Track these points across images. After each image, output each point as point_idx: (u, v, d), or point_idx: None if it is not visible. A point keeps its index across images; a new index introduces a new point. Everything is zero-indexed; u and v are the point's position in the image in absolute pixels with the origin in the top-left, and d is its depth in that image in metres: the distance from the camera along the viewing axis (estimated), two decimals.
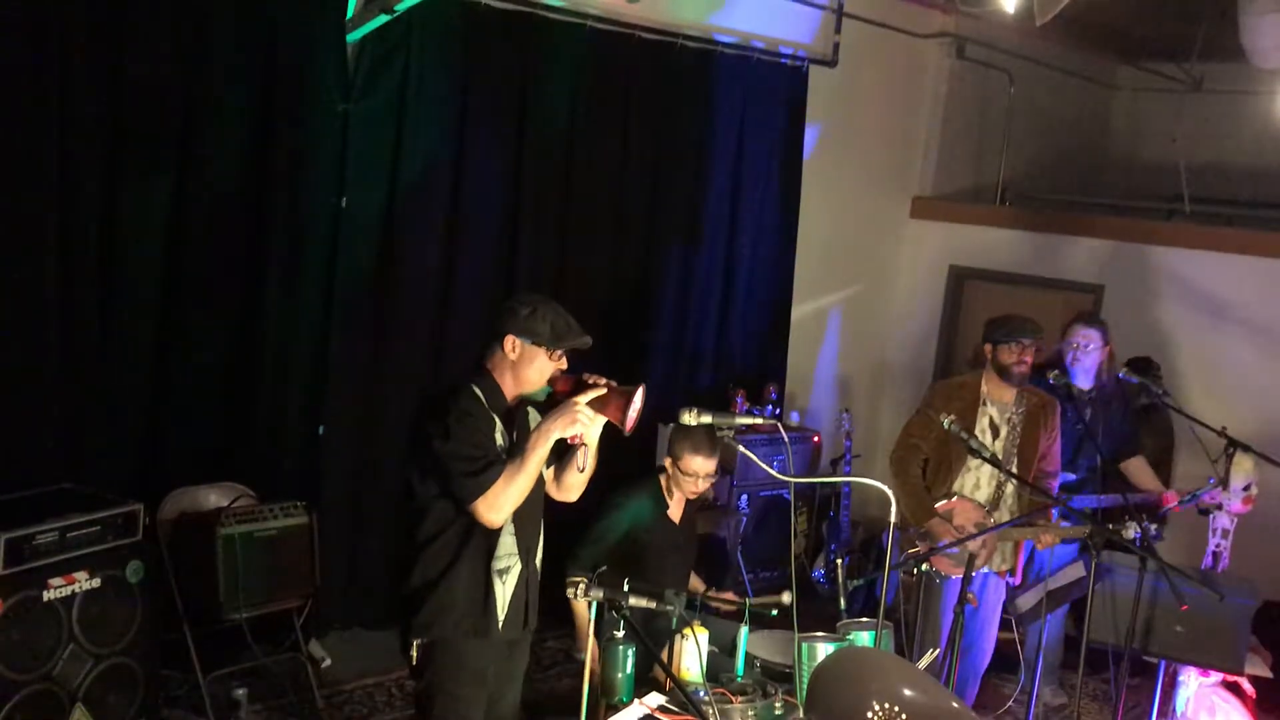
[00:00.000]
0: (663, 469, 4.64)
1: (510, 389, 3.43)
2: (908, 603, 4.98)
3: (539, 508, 3.58)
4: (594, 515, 4.50)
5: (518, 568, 3.49)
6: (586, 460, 3.45)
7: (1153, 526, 4.65)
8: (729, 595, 4.63)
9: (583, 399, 3.28)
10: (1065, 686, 5.78)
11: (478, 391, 3.38)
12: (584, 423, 3.29)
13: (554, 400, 3.38)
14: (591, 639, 3.81)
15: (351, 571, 5.51)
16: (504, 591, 3.46)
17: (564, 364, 3.42)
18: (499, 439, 3.40)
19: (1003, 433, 4.93)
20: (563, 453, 3.56)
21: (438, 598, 3.40)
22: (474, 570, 3.41)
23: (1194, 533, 5.25)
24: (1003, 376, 4.90)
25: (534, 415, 3.53)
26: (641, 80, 6.19)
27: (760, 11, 6.76)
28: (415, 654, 3.46)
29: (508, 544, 3.45)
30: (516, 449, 3.36)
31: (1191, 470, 5.21)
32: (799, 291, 7.33)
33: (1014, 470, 4.90)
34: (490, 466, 3.30)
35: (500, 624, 3.46)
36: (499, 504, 3.31)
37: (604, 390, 3.31)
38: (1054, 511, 5.06)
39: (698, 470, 4.47)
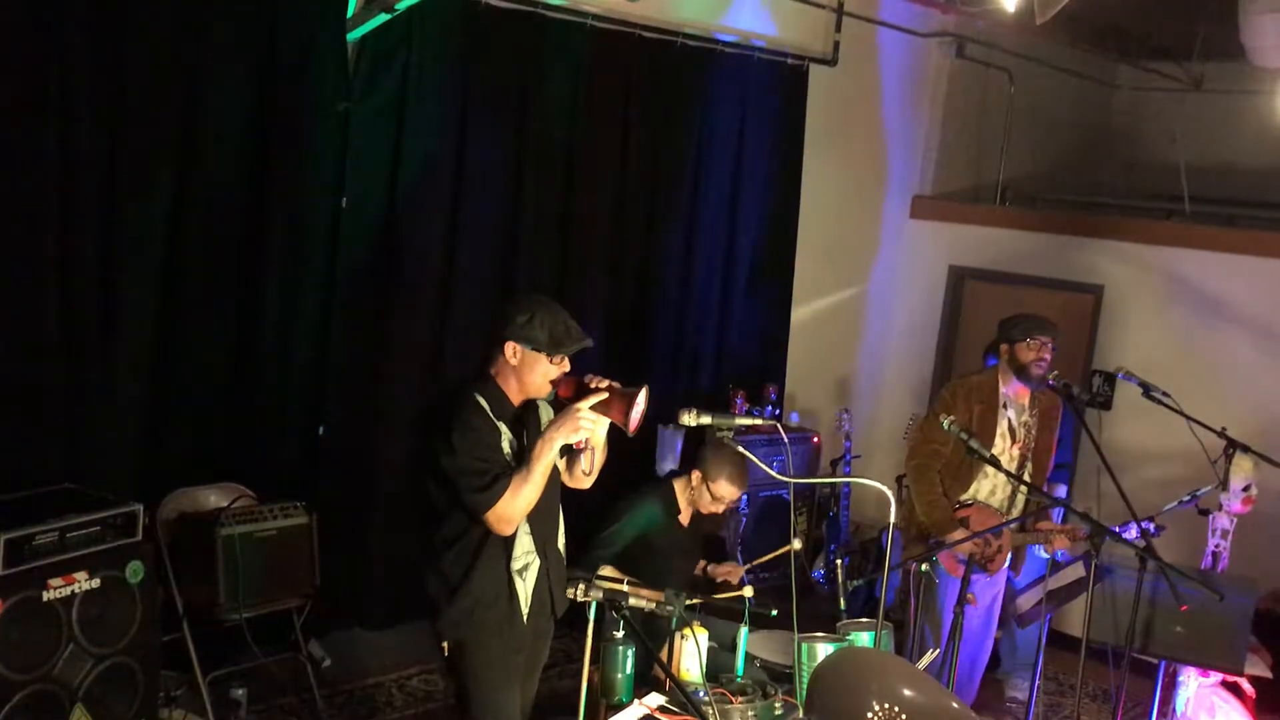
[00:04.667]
0: (676, 475, 4.66)
1: (515, 392, 3.46)
2: (907, 603, 4.99)
3: (555, 502, 3.63)
4: (605, 517, 4.51)
5: (537, 564, 3.54)
6: (592, 462, 3.48)
7: (1152, 525, 4.65)
8: (729, 569, 4.70)
9: (585, 404, 3.30)
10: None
11: (481, 400, 3.40)
12: (587, 428, 3.31)
13: (560, 402, 3.40)
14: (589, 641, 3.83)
15: (351, 571, 5.51)
16: (525, 588, 3.53)
17: (566, 366, 3.43)
18: (506, 447, 3.42)
19: (1019, 435, 4.90)
20: (571, 451, 3.59)
21: (460, 600, 3.47)
22: (494, 571, 3.47)
23: (1194, 533, 5.25)
24: (1021, 375, 4.84)
25: (545, 410, 3.56)
26: (642, 79, 6.18)
27: (760, 10, 6.76)
28: (447, 650, 3.56)
29: (524, 544, 3.51)
30: (525, 455, 3.38)
31: (1190, 471, 5.20)
32: (799, 291, 7.33)
33: (1028, 473, 4.89)
34: (497, 480, 3.34)
35: (525, 616, 3.54)
36: (508, 515, 3.36)
37: (606, 394, 3.32)
38: (1054, 513, 5.07)
39: (727, 496, 4.54)
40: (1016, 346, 4.83)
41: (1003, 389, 4.89)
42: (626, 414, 3.31)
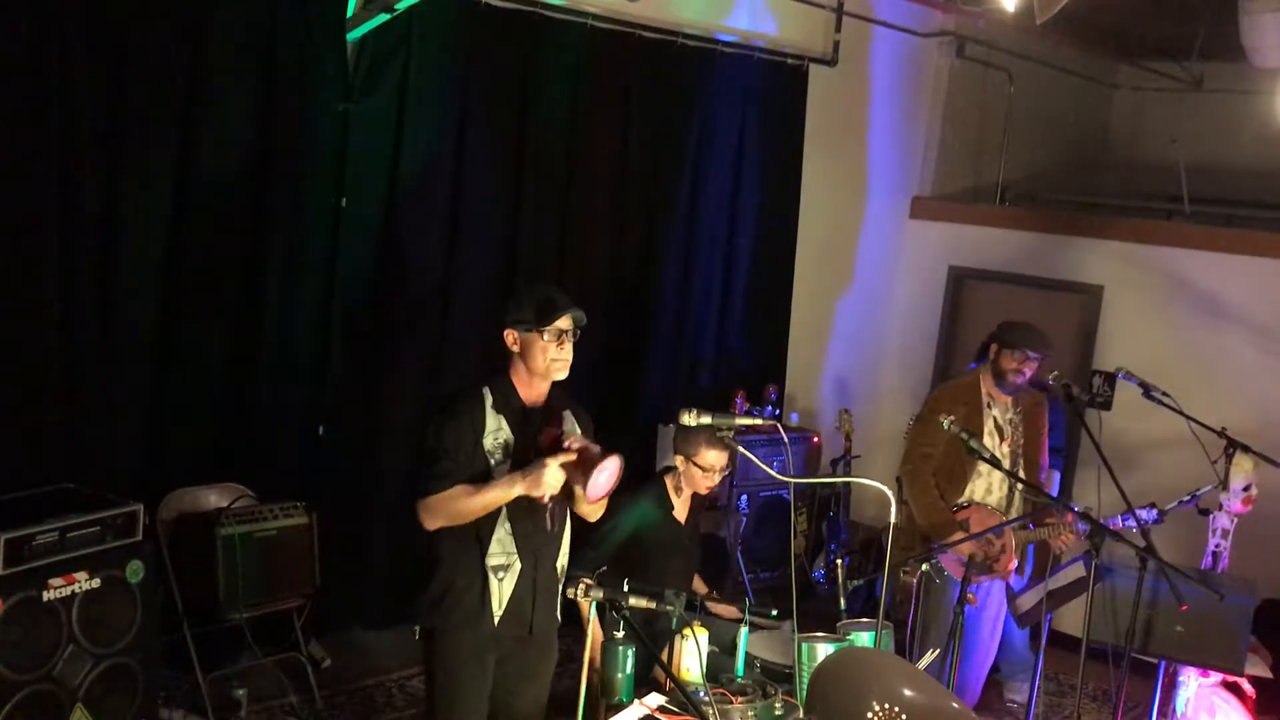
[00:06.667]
0: (667, 470, 4.63)
1: (526, 385, 3.46)
2: (906, 604, 4.99)
3: (544, 514, 3.57)
4: (602, 518, 4.49)
5: (518, 567, 3.51)
6: (555, 520, 3.52)
7: (1155, 510, 4.67)
8: (731, 609, 4.62)
9: (554, 462, 3.30)
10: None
11: (486, 393, 3.41)
12: (550, 487, 3.31)
13: (543, 451, 3.38)
14: (593, 636, 3.82)
15: (351, 571, 5.51)
16: (500, 589, 3.49)
17: (567, 351, 3.42)
18: (488, 441, 3.42)
19: (1007, 434, 4.92)
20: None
21: (434, 587, 3.51)
22: (467, 565, 3.48)
23: (1194, 533, 5.24)
24: (997, 380, 4.90)
25: (569, 420, 3.56)
26: (641, 79, 6.19)
27: (760, 10, 6.76)
28: (419, 635, 3.59)
29: (503, 542, 3.48)
30: (517, 458, 3.38)
31: (1190, 471, 5.20)
32: (799, 292, 7.33)
33: (1020, 471, 4.89)
34: (448, 475, 3.36)
35: (496, 619, 3.50)
36: (433, 511, 3.40)
37: (574, 456, 3.31)
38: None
39: (713, 464, 4.46)
40: (1003, 352, 4.87)
41: (985, 389, 4.93)
42: (588, 478, 3.29)
